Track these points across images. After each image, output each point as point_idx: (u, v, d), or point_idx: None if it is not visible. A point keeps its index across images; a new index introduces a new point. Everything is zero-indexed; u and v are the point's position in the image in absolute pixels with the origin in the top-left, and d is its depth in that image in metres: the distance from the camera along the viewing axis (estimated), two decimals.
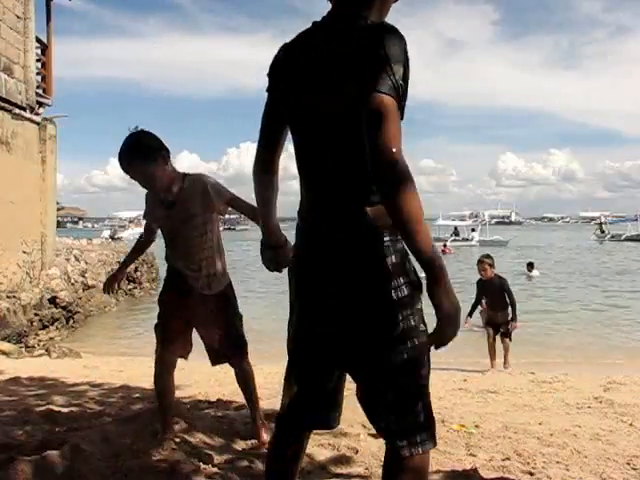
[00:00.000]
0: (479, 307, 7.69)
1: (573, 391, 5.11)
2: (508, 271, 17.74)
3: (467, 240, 42.84)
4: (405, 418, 1.51)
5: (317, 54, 1.51)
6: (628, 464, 3.05)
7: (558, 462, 3.05)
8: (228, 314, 3.05)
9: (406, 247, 1.45)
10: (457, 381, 5.74)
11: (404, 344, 1.49)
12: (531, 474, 2.86)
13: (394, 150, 1.33)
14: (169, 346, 3.00)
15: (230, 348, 3.06)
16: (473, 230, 46.62)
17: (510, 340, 7.42)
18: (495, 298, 7.43)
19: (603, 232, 57.36)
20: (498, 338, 7.56)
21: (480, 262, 7.50)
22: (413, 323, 1.50)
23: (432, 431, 1.55)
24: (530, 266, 22.39)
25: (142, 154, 2.69)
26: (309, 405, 1.67)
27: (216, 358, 3.13)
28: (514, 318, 7.36)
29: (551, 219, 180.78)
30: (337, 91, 1.45)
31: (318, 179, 1.57)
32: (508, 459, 3.06)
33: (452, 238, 43.75)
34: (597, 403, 4.56)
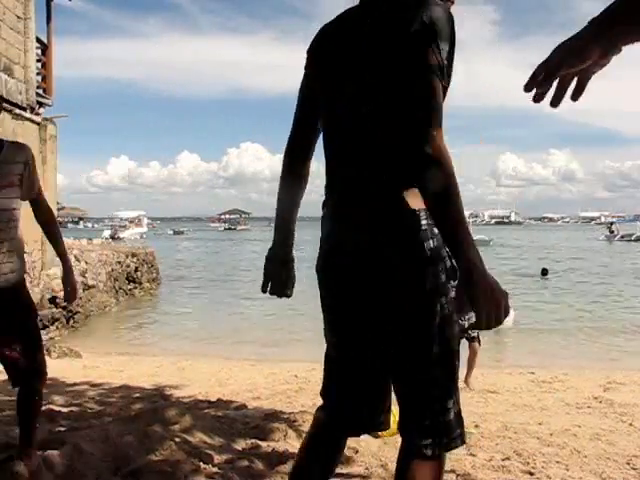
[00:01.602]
0: None
1: (573, 391, 5.11)
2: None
3: None
4: (438, 414, 1.42)
5: (359, 27, 1.43)
6: (628, 464, 3.05)
7: (558, 462, 3.05)
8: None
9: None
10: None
11: (442, 334, 1.40)
12: (531, 474, 2.86)
13: (435, 144, 1.26)
14: None
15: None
16: None
17: (479, 345, 5.88)
18: None
19: (612, 232, 57.26)
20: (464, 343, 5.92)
21: None
22: (448, 312, 1.41)
23: (462, 429, 1.46)
24: (544, 272, 22.16)
25: None
26: (360, 407, 1.56)
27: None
28: None
29: (551, 219, 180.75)
30: (377, 66, 1.37)
31: (351, 161, 1.47)
32: (508, 459, 3.06)
33: None
34: (597, 403, 4.56)
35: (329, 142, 1.55)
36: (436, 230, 1.38)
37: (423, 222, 1.38)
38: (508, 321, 12.07)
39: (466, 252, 1.27)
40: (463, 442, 1.46)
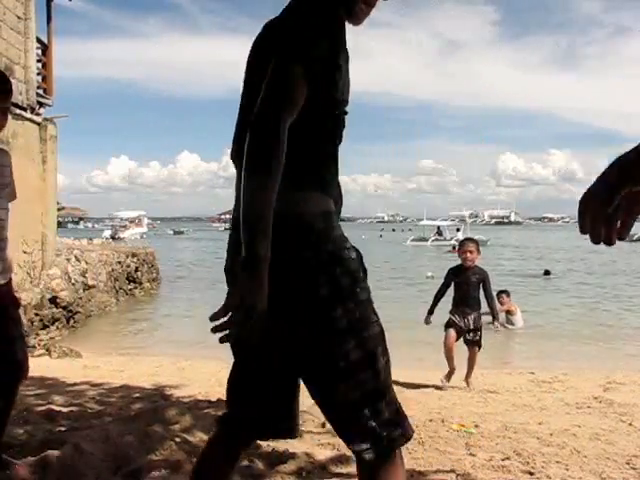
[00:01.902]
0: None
1: (573, 391, 5.11)
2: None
3: (446, 240, 43.68)
4: (368, 418, 1.36)
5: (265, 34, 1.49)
6: (628, 464, 3.05)
7: (558, 462, 3.05)
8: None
9: (341, 234, 1.39)
10: (457, 381, 5.74)
11: (353, 339, 1.35)
12: (531, 474, 2.86)
13: (266, 118, 1.25)
14: None
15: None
16: (457, 230, 47.27)
17: (479, 349, 5.69)
18: (470, 294, 5.60)
19: None
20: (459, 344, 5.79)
21: (462, 244, 5.82)
22: (358, 315, 1.36)
23: (404, 425, 1.40)
24: (546, 273, 22.17)
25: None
26: (270, 413, 1.51)
27: None
28: (495, 316, 5.82)
29: (551, 219, 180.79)
30: (259, 71, 1.38)
31: None
32: (508, 459, 3.06)
33: (434, 237, 44.95)
34: (597, 403, 4.56)
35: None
36: (337, 232, 1.38)
37: (319, 225, 1.36)
38: (518, 322, 11.72)
39: (249, 244, 1.23)
40: (407, 438, 1.40)
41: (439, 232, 47.04)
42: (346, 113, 1.48)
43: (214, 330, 1.26)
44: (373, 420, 1.36)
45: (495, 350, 8.42)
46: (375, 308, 1.43)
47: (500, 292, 10.83)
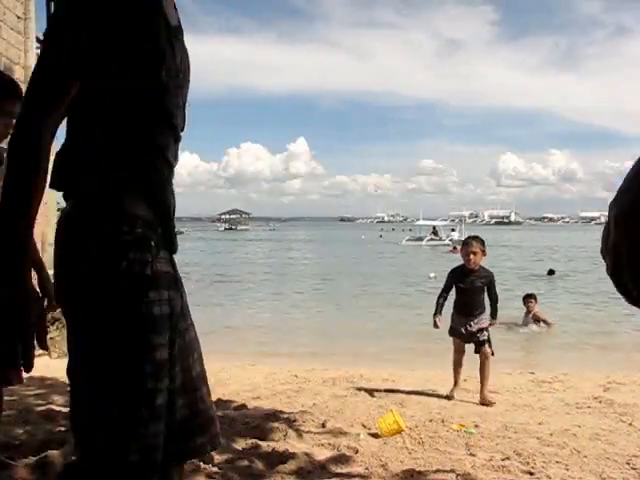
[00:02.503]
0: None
1: (573, 391, 5.10)
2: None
3: (442, 240, 44.08)
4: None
5: None
6: (628, 464, 3.05)
7: (558, 462, 3.06)
8: None
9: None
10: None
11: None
12: (531, 474, 2.86)
13: (24, 112, 1.15)
14: None
15: None
16: (453, 230, 47.64)
17: (492, 353, 4.91)
18: (474, 300, 4.93)
19: None
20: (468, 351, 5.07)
21: (466, 244, 5.07)
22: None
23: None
24: (550, 273, 22.10)
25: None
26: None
27: None
28: (494, 315, 5.00)
29: (551, 219, 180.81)
30: None
31: None
32: (508, 459, 3.06)
33: (429, 237, 45.41)
34: (597, 403, 4.55)
35: None
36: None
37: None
38: (538, 326, 10.99)
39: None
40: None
41: (435, 232, 47.54)
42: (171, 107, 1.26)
43: None
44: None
45: (499, 350, 8.37)
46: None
47: (527, 296, 10.67)
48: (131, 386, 1.13)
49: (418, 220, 60.18)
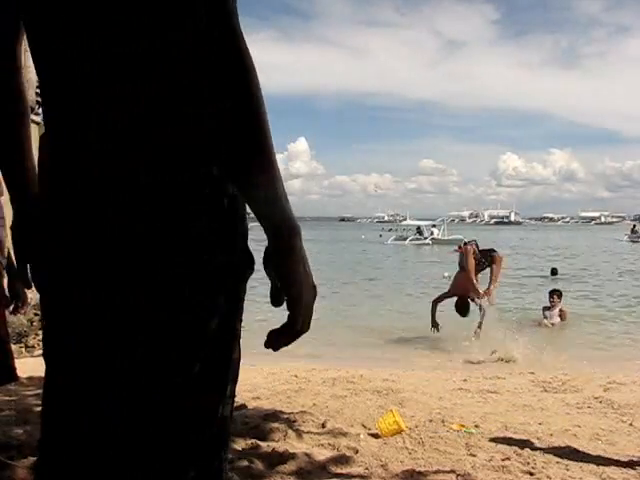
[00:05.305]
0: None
1: (573, 391, 5.11)
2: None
3: (425, 238, 44.67)
4: None
5: None
6: (628, 464, 3.05)
7: (558, 462, 3.05)
8: None
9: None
10: (457, 381, 5.73)
11: None
12: (531, 474, 2.86)
13: None
14: None
15: None
16: (434, 226, 48.17)
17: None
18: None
19: (635, 232, 56.92)
20: None
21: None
22: None
23: None
24: (553, 272, 22.02)
25: None
26: None
27: None
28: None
29: (551, 219, 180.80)
30: None
31: None
32: (508, 459, 3.06)
33: (412, 237, 46.10)
34: (597, 403, 4.55)
35: None
36: None
37: None
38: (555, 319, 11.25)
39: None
40: None
41: (419, 231, 48.29)
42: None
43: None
44: None
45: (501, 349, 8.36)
46: None
47: (553, 291, 10.80)
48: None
49: (405, 220, 61.89)
